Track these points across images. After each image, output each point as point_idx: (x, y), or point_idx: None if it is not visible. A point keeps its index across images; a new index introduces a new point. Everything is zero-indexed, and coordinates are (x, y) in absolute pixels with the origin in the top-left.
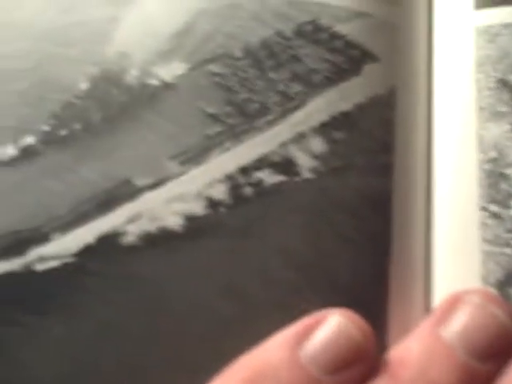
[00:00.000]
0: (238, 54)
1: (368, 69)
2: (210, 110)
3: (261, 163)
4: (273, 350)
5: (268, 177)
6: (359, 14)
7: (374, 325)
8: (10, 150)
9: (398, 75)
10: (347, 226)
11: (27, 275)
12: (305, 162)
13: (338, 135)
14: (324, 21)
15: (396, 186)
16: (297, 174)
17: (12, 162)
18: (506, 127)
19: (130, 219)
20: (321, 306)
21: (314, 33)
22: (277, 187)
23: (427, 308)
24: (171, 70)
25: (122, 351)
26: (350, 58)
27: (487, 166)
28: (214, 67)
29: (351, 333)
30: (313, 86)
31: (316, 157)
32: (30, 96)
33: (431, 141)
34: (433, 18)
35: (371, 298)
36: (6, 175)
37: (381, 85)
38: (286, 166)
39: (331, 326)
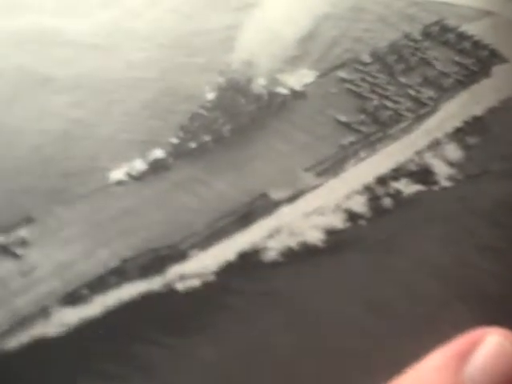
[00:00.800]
0: (366, 58)
1: (497, 70)
2: (343, 118)
3: (397, 173)
4: (432, 372)
5: (406, 187)
6: (485, 13)
7: None
8: (139, 165)
9: None
10: (488, 234)
11: (168, 294)
12: (441, 170)
13: (472, 141)
14: (450, 21)
15: None
16: (434, 182)
17: (142, 177)
18: None
19: (269, 234)
20: (470, 318)
21: (441, 34)
22: (415, 197)
23: None
24: (299, 78)
25: (271, 370)
26: (478, 60)
27: None
28: (342, 73)
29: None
30: (444, 89)
31: (452, 164)
32: (156, 107)
33: None
34: None
35: None
36: (137, 191)
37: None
38: (423, 174)
39: (491, 348)
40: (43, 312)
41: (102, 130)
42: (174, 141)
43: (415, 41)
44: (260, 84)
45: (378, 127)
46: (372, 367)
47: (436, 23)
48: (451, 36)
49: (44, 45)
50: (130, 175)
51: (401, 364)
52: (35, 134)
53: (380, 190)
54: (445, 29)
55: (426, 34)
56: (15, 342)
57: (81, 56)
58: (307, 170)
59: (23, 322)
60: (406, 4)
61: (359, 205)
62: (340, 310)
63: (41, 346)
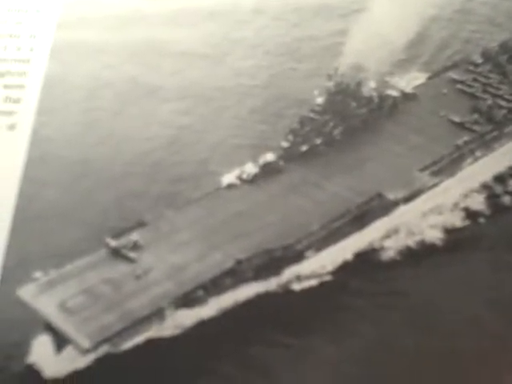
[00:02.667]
0: (477, 59)
1: None
2: (456, 118)
3: None
4: None
5: None
6: None
7: None
8: (251, 168)
9: None
10: None
11: (285, 295)
12: None
13: None
14: None
15: None
16: None
17: (254, 180)
18: None
19: (387, 234)
20: None
21: None
22: None
23: None
24: (410, 80)
25: (393, 371)
26: None
27: None
28: (453, 74)
29: None
30: None
31: None
32: (265, 112)
33: None
34: None
35: None
36: (250, 194)
37: None
38: None
39: None
40: (158, 314)
41: (212, 135)
42: (285, 144)
43: None
44: (370, 87)
45: (492, 126)
46: (496, 369)
47: None
48: None
49: (154, 56)
50: (241, 179)
51: None
52: (143, 141)
53: (498, 188)
54: None
55: None
56: (129, 343)
57: (189, 65)
58: (422, 170)
59: (138, 324)
60: None
61: (478, 203)
62: (462, 309)
63: (156, 347)
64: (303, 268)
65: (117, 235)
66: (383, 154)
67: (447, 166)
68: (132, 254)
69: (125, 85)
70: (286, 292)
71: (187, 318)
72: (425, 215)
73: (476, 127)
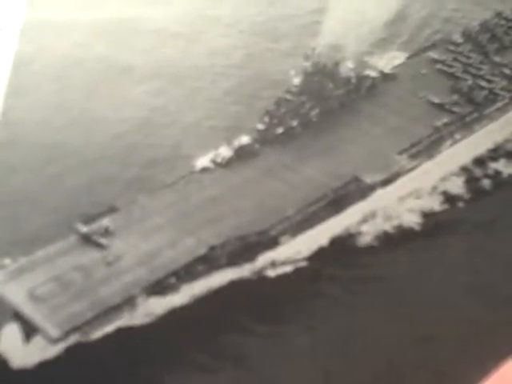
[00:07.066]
0: (458, 38)
1: None
2: (435, 99)
3: (496, 153)
4: None
5: (505, 167)
6: None
7: None
8: (225, 151)
9: None
10: None
11: (259, 282)
12: None
13: None
14: None
15: None
16: None
17: (228, 164)
18: None
19: (363, 219)
20: None
21: None
22: None
23: None
24: (389, 60)
25: (371, 358)
26: None
27: None
28: (433, 54)
29: None
30: None
31: None
32: (240, 93)
33: None
34: None
35: None
36: (224, 178)
37: None
38: None
39: None
40: (129, 302)
41: (185, 117)
42: (260, 127)
43: (507, 19)
44: (348, 67)
45: (473, 107)
46: (476, 354)
47: None
48: None
49: (124, 34)
50: (215, 162)
51: (506, 353)
52: (116, 123)
53: (478, 172)
54: None
55: None
56: (100, 332)
57: (162, 44)
58: (401, 152)
59: (108, 312)
60: None
61: (457, 187)
62: (440, 295)
63: (127, 336)
64: (278, 254)
65: (87, 221)
66: (361, 136)
67: (426, 149)
68: (103, 241)
69: (96, 64)
70: (260, 279)
71: (159, 306)
72: (402, 199)
73: (456, 108)
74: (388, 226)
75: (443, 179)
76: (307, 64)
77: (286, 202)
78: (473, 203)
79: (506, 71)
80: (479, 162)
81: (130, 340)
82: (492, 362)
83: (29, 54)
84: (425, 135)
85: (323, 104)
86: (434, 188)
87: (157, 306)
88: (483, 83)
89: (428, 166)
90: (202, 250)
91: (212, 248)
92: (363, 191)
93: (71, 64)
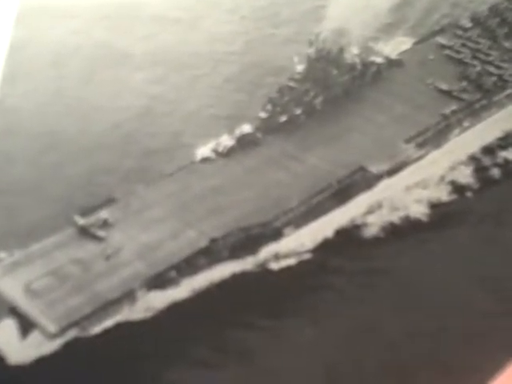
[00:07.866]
0: (466, 23)
1: None
2: (443, 86)
3: (505, 141)
4: None
5: None
6: None
7: None
8: (227, 140)
9: None
10: None
11: (262, 275)
12: None
13: None
14: None
15: None
16: None
17: (230, 153)
18: None
19: (369, 210)
20: None
21: None
22: None
23: None
24: (395, 46)
25: (377, 351)
26: None
27: None
28: (441, 39)
29: None
30: None
31: None
32: (242, 81)
33: None
34: None
35: None
36: (226, 167)
37: None
38: None
39: None
40: (129, 296)
41: (185, 105)
42: (263, 115)
43: None
44: (353, 53)
45: (481, 94)
46: (486, 348)
47: None
48: None
49: (123, 20)
50: (216, 152)
51: None
52: (114, 111)
53: (487, 160)
54: None
55: None
56: (99, 327)
57: (162, 30)
58: (407, 141)
59: (107, 307)
60: None
61: (465, 176)
62: (449, 287)
63: (126, 331)
64: (281, 246)
65: (85, 213)
66: (366, 124)
67: (433, 137)
68: (101, 233)
69: (94, 51)
70: (263, 272)
71: (159, 300)
72: (409, 189)
73: (464, 95)
74: (394, 217)
75: (451, 168)
76: (311, 50)
77: (289, 193)
78: (481, 193)
79: None
80: (488, 150)
81: (129, 335)
82: (502, 355)
83: (25, 40)
84: (432, 123)
85: (327, 91)
86: (442, 178)
87: (157, 300)
88: (492, 69)
89: (435, 154)
90: (203, 243)
91: (213, 240)
92: (369, 181)
93: (69, 50)
